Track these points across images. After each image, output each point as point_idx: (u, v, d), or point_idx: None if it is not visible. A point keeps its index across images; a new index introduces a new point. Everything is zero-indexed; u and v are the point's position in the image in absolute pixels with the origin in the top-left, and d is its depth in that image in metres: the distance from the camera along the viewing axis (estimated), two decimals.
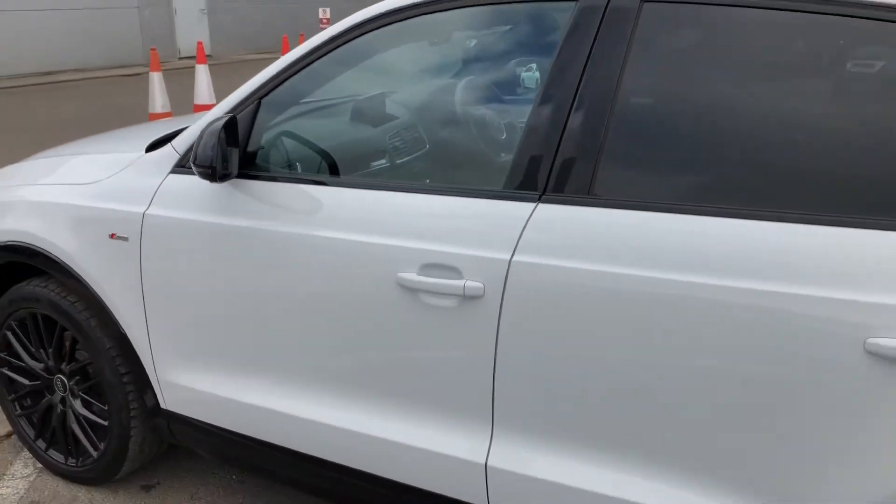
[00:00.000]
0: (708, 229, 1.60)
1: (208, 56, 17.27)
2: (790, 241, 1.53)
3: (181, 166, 2.28)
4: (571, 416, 1.76)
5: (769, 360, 1.52)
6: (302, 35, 16.96)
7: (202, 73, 8.88)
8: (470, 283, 1.79)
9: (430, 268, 1.85)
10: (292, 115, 2.30)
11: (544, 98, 1.81)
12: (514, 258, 1.76)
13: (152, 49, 8.77)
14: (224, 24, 18.76)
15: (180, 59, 17.57)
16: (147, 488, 2.74)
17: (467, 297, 1.81)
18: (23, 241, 2.54)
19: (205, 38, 18.14)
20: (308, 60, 2.14)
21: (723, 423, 1.60)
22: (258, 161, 2.21)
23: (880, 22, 1.54)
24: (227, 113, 2.19)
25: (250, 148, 2.21)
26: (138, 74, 14.70)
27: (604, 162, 1.73)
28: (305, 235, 2.02)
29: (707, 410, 1.61)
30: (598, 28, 1.78)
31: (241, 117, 2.17)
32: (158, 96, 8.23)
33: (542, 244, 1.74)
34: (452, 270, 1.83)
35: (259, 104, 2.19)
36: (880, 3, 1.54)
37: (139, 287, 2.34)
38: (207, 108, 8.34)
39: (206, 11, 18.37)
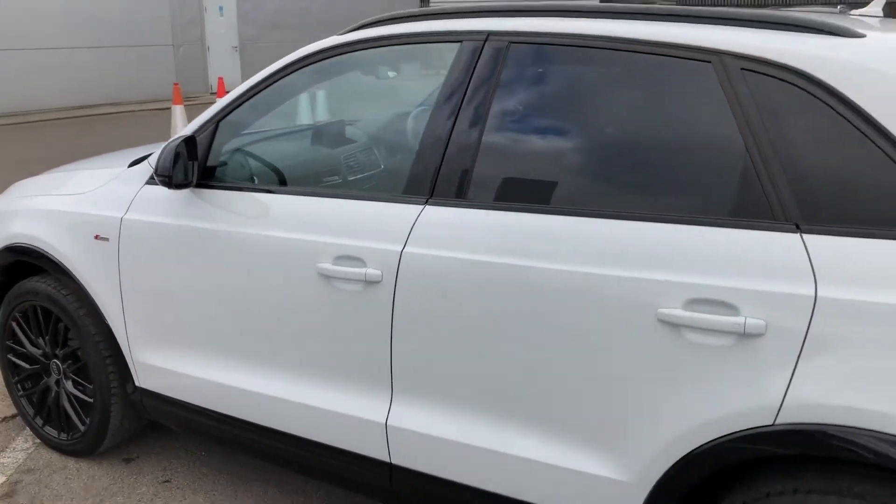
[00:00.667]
0: (550, 224, 1.98)
1: None
2: (606, 233, 1.90)
3: (153, 178, 2.72)
4: (451, 380, 2.14)
5: (596, 328, 1.89)
6: None
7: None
8: (370, 271, 2.19)
9: (341, 259, 2.25)
10: (245, 136, 2.72)
11: (431, 122, 2.22)
12: (406, 249, 2.15)
13: (175, 84, 9.37)
14: (254, 60, 19.50)
15: (211, 94, 18.31)
16: (127, 461, 3.14)
17: (369, 282, 2.20)
18: (26, 242, 2.99)
19: (236, 74, 18.90)
20: (256, 90, 2.57)
21: (560, 380, 1.96)
22: (217, 173, 2.63)
23: (666, 58, 1.93)
24: (190, 133, 2.62)
25: (210, 162, 2.63)
26: (168, 108, 15.42)
27: (476, 172, 2.13)
28: (246, 233, 2.43)
29: (551, 370, 1.97)
30: (475, 64, 2.18)
31: (201, 137, 2.60)
32: (180, 126, 8.80)
33: (427, 238, 2.13)
34: (358, 260, 2.22)
35: (217, 126, 2.62)
36: (668, 42, 1.93)
37: (118, 280, 2.77)
38: None
39: (237, 49, 19.15)
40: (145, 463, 3.13)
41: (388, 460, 2.30)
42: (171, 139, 2.54)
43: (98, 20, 15.83)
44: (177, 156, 2.49)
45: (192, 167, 2.54)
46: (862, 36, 1.81)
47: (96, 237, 2.80)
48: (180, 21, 17.81)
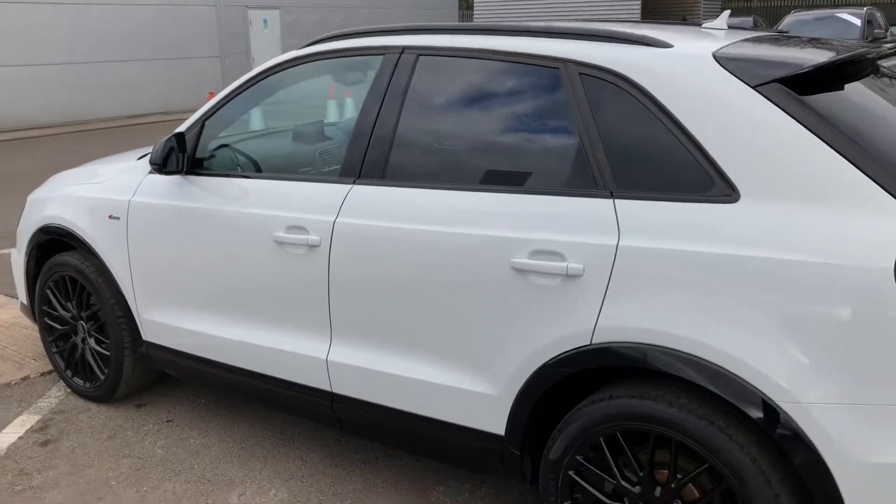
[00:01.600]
0: (439, 197, 2.53)
1: None
2: (478, 202, 2.45)
3: None
4: (372, 321, 2.70)
5: (471, 275, 2.43)
6: None
7: None
8: (311, 237, 2.76)
9: (290, 228, 2.83)
10: (226, 134, 3.33)
11: (360, 119, 2.79)
12: (338, 219, 2.72)
13: (210, 92, 10.11)
14: None
15: None
16: (139, 406, 3.77)
17: (310, 246, 2.78)
18: (57, 223, 3.65)
19: None
20: (233, 95, 3.18)
21: (446, 317, 2.51)
22: (204, 163, 3.24)
23: (531, 66, 2.46)
24: (180, 130, 3.23)
25: (199, 155, 3.24)
26: None
27: (391, 158, 2.69)
28: (221, 210, 3.04)
29: (440, 309, 2.52)
30: (393, 72, 2.75)
31: (190, 134, 3.22)
32: None
33: (353, 209, 2.70)
34: (303, 229, 2.80)
35: (203, 125, 3.23)
36: (529, 52, 2.47)
37: (126, 252, 3.40)
38: None
39: None
40: (153, 407, 3.76)
41: (329, 389, 2.87)
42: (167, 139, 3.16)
43: (150, 35, 16.82)
44: (169, 149, 3.11)
45: (182, 158, 3.16)
46: (670, 46, 2.33)
47: (110, 217, 3.44)
48: (226, 34, 18.75)
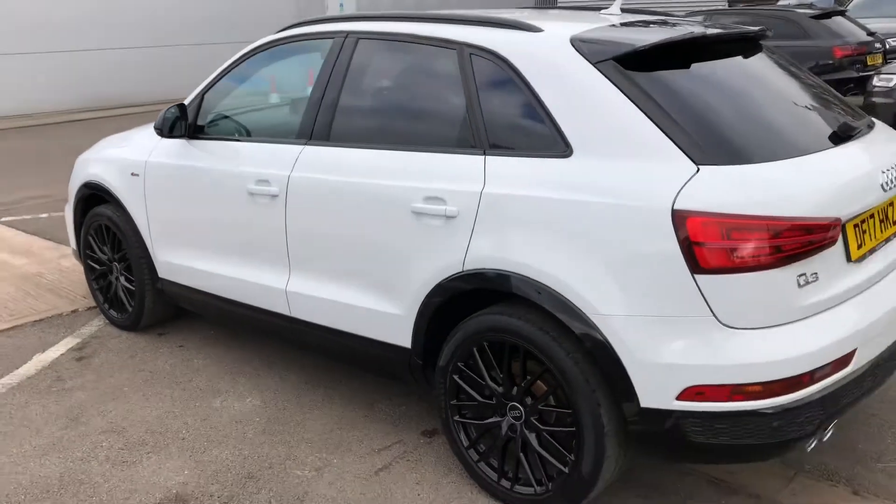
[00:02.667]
0: (364, 154, 3.12)
1: None
2: (388, 157, 3.03)
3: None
4: (317, 256, 3.31)
5: (382, 216, 3.00)
6: None
7: None
8: (272, 189, 3.40)
9: (259, 182, 3.47)
10: (222, 106, 3.98)
11: (313, 91, 3.40)
12: (292, 174, 3.35)
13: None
14: None
15: None
16: (160, 335, 4.52)
17: (272, 196, 3.41)
18: (95, 180, 4.41)
19: None
20: (225, 73, 3.84)
21: (365, 251, 3.10)
22: (204, 129, 3.91)
23: (438, 48, 3.01)
24: (183, 102, 3.91)
25: (200, 122, 3.92)
26: None
27: (334, 123, 3.29)
28: (211, 167, 3.70)
29: (361, 244, 3.11)
30: (339, 52, 3.34)
31: (191, 105, 3.89)
32: None
33: (304, 165, 3.32)
34: (267, 183, 3.44)
35: (202, 97, 3.90)
36: (435, 36, 3.02)
37: (144, 203, 4.12)
38: None
39: None
40: (171, 335, 4.49)
41: (289, 314, 3.51)
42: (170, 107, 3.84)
43: (228, 19, 17.85)
44: (174, 117, 3.80)
45: (185, 124, 3.84)
46: (540, 31, 2.83)
47: (132, 174, 4.16)
48: (304, 18, 19.62)
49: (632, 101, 2.54)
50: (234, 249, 3.69)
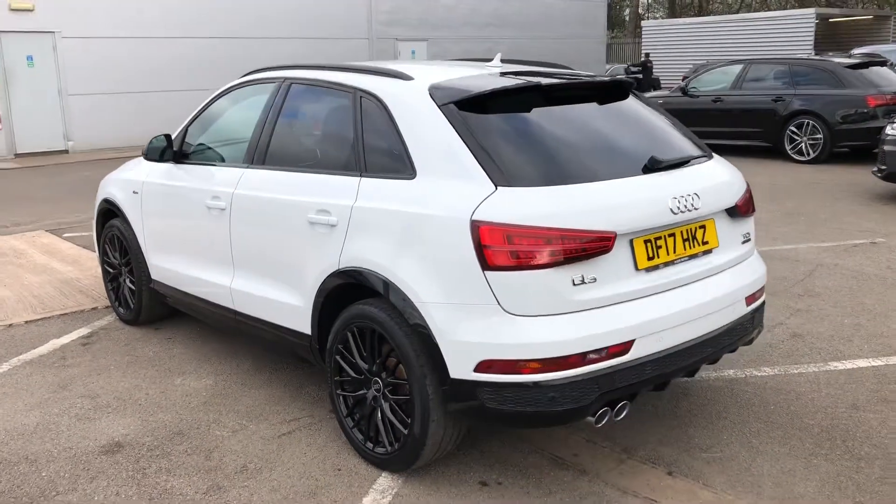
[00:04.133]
0: (277, 175, 3.86)
1: None
2: (295, 178, 3.75)
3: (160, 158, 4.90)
4: (249, 259, 4.06)
5: (288, 225, 3.72)
6: None
7: None
8: (221, 203, 4.18)
9: (213, 198, 4.26)
10: (200, 138, 4.81)
11: (256, 124, 4.17)
12: (235, 191, 4.12)
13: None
14: None
15: None
16: (156, 329, 5.35)
17: (221, 210, 4.19)
18: (109, 197, 5.33)
19: None
20: (203, 109, 4.68)
21: (276, 254, 3.82)
22: (188, 155, 4.75)
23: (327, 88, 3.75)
24: (168, 133, 4.76)
25: (184, 150, 4.76)
26: None
27: (268, 151, 4.05)
28: (183, 186, 4.53)
29: (273, 248, 3.84)
30: (276, 94, 4.12)
31: (176, 136, 4.74)
32: None
33: (244, 184, 4.08)
34: (219, 198, 4.22)
35: (187, 128, 4.75)
36: (339, 82, 3.75)
37: (141, 216, 4.98)
38: None
39: None
40: (164, 330, 5.32)
41: (233, 307, 4.26)
42: (156, 136, 4.69)
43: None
44: (161, 146, 4.65)
45: (170, 151, 4.69)
46: (412, 79, 3.52)
47: (133, 192, 5.04)
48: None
49: (459, 135, 3.19)
50: (198, 253, 4.48)
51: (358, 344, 3.47)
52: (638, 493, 3.27)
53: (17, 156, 15.69)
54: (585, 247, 2.96)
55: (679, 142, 3.67)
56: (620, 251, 3.09)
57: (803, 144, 12.43)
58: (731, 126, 13.24)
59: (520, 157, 3.19)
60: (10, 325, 5.48)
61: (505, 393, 2.99)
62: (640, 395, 3.36)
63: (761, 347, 4.78)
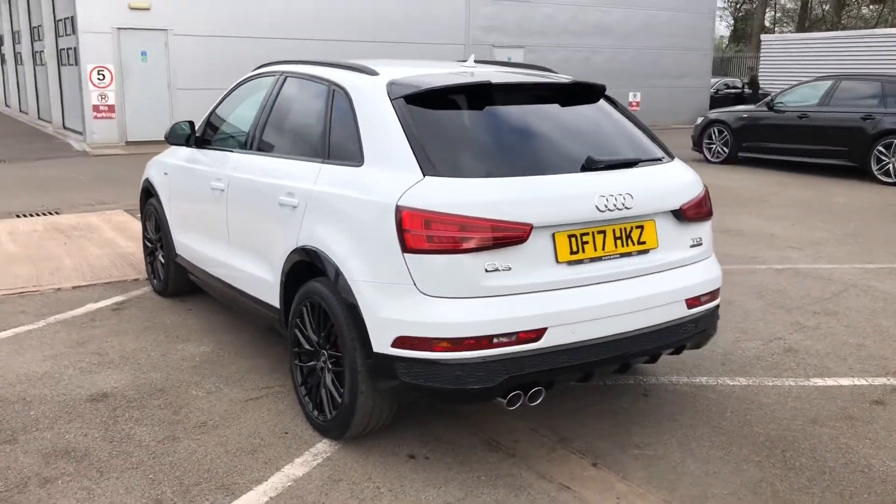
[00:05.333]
0: (260, 159, 4.19)
1: None
2: (269, 162, 4.07)
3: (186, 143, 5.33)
4: (237, 236, 4.40)
5: (264, 205, 4.03)
6: None
7: None
8: (221, 185, 4.55)
9: (216, 179, 4.64)
10: (218, 123, 5.21)
11: (256, 113, 4.52)
12: (232, 175, 4.48)
13: None
14: None
15: None
16: (181, 301, 5.80)
17: (221, 191, 4.56)
18: (148, 177, 5.83)
19: None
20: (222, 100, 5.08)
21: (254, 230, 4.14)
22: (209, 142, 5.17)
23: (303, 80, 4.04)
24: (192, 120, 5.18)
25: (206, 136, 5.18)
26: None
27: (262, 138, 4.38)
28: (197, 169, 4.93)
29: (252, 225, 4.16)
30: (274, 86, 4.45)
31: (202, 122, 5.17)
32: None
33: (239, 168, 4.44)
34: (220, 181, 4.60)
35: (210, 116, 5.17)
36: (318, 76, 4.04)
37: (169, 196, 5.44)
38: None
39: None
40: (187, 302, 5.76)
41: (229, 282, 4.62)
42: (179, 121, 5.12)
43: None
44: (184, 132, 5.07)
45: (192, 138, 5.11)
46: (377, 74, 3.77)
47: (164, 173, 5.51)
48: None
49: (402, 127, 3.40)
50: (206, 231, 4.87)
51: (310, 318, 3.73)
52: (554, 480, 3.39)
53: (128, 143, 16.87)
54: (499, 236, 3.12)
55: (633, 145, 3.76)
56: (539, 243, 3.23)
57: (891, 165, 11.89)
58: (816, 143, 12.79)
59: (453, 149, 3.38)
60: (59, 289, 6.06)
61: (417, 368, 3.18)
62: (564, 384, 3.48)
63: (747, 358, 4.76)
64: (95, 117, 16.46)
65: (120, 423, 3.82)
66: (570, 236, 3.30)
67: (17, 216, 8.90)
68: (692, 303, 3.63)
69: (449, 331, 3.12)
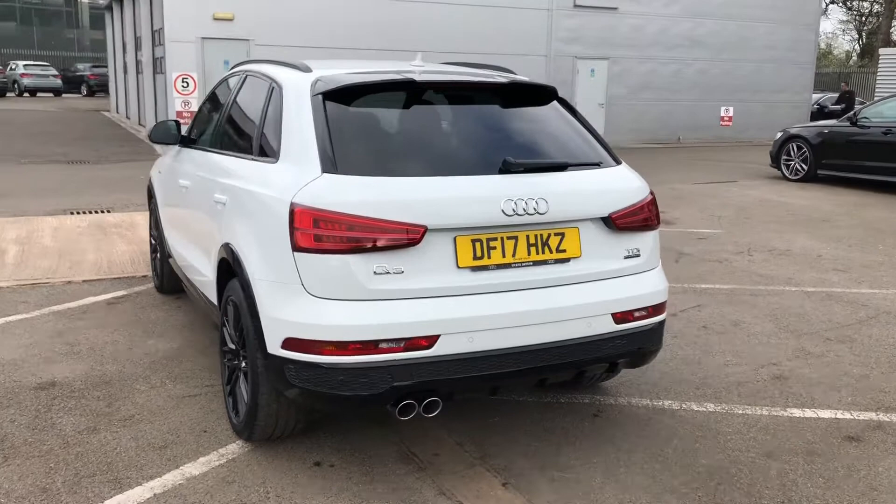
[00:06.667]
0: (209, 157, 4.18)
1: None
2: (216, 159, 4.06)
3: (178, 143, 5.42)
4: (193, 233, 4.42)
5: (205, 203, 4.02)
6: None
7: None
8: (188, 183, 4.59)
9: (184, 178, 4.68)
10: (198, 124, 5.26)
11: (220, 113, 4.53)
12: (196, 173, 4.51)
13: None
14: (621, 116, 21.74)
15: None
16: (176, 297, 5.89)
17: (188, 189, 4.60)
18: (150, 177, 5.97)
19: (600, 127, 21.40)
20: (206, 99, 5.14)
21: (200, 231, 4.14)
22: (194, 140, 5.23)
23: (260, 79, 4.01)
24: (176, 119, 5.26)
25: (191, 136, 5.25)
26: None
27: (220, 135, 4.39)
28: (177, 168, 5.00)
29: (199, 224, 4.16)
30: (238, 84, 4.45)
31: (187, 126, 5.24)
32: None
33: (198, 165, 4.46)
34: (187, 179, 4.63)
35: (196, 115, 5.24)
36: (264, 73, 4.01)
37: (161, 194, 5.55)
38: None
39: (603, 105, 21.61)
40: (181, 299, 5.84)
41: (190, 278, 4.64)
42: (164, 121, 5.21)
43: None
44: (167, 130, 5.16)
45: (178, 137, 5.19)
46: (310, 71, 3.70)
47: (158, 172, 5.62)
48: (554, 81, 20.85)
49: (314, 124, 3.31)
50: (180, 228, 4.93)
51: (231, 316, 3.69)
52: (454, 497, 3.21)
53: None
54: (388, 237, 2.99)
55: (568, 149, 3.55)
56: (437, 246, 3.08)
57: None
58: None
59: (361, 148, 3.27)
60: (70, 282, 6.28)
61: (304, 372, 3.08)
62: (468, 396, 3.29)
63: (727, 384, 4.42)
64: None
65: (52, 412, 3.87)
66: (474, 241, 3.13)
67: (71, 213, 9.31)
68: (621, 317, 3.38)
69: (334, 333, 3.01)
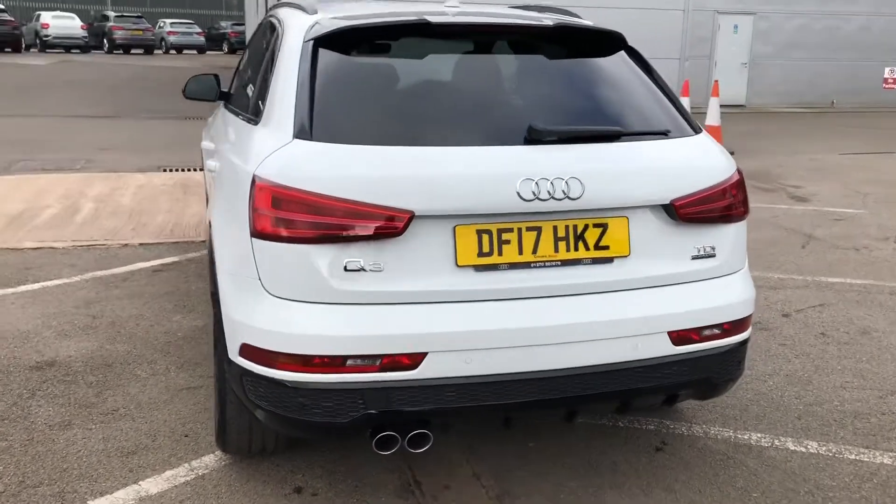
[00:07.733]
0: (221, 118, 3.62)
1: (741, 105, 19.16)
2: (225, 124, 3.48)
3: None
4: (213, 195, 3.90)
5: (207, 171, 3.49)
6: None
7: (714, 103, 10.88)
8: (215, 164, 4.06)
9: (207, 142, 4.16)
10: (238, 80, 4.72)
11: (241, 64, 3.96)
12: (212, 134, 3.97)
13: (685, 81, 11.65)
14: (766, 77, 19.86)
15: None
16: None
17: (213, 174, 4.08)
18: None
19: (742, 89, 19.68)
20: (243, 57, 4.58)
21: (209, 193, 3.60)
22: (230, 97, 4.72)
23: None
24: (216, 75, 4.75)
25: (231, 91, 4.73)
26: None
27: (234, 91, 3.82)
28: (213, 131, 4.49)
29: (209, 189, 3.63)
30: (265, 33, 3.86)
31: (229, 81, 4.72)
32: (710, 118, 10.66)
33: (214, 128, 3.92)
34: (208, 141, 4.11)
35: (235, 75, 4.71)
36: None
37: (206, 156, 5.09)
38: (711, 127, 10.27)
39: (746, 65, 19.79)
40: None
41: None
42: (203, 74, 4.70)
43: None
44: (202, 85, 4.65)
45: (217, 92, 4.68)
46: (315, 13, 3.04)
47: (205, 132, 5.16)
48: (692, 37, 19.30)
49: (297, 77, 2.66)
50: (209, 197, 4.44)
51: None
52: None
53: None
54: (361, 224, 2.31)
55: (626, 113, 2.74)
56: (428, 237, 2.38)
57: None
58: None
59: (347, 108, 2.59)
60: (126, 244, 5.98)
61: (261, 387, 2.48)
62: (469, 427, 2.60)
63: (839, 414, 3.51)
64: None
65: (34, 399, 3.48)
66: (480, 232, 2.40)
67: (164, 170, 9.15)
68: (681, 336, 2.56)
69: (289, 344, 2.38)
